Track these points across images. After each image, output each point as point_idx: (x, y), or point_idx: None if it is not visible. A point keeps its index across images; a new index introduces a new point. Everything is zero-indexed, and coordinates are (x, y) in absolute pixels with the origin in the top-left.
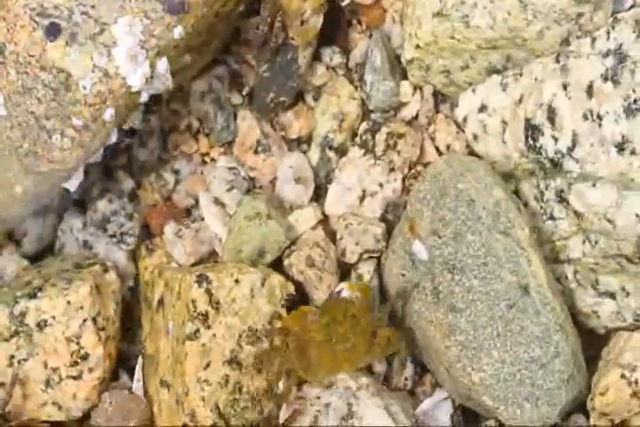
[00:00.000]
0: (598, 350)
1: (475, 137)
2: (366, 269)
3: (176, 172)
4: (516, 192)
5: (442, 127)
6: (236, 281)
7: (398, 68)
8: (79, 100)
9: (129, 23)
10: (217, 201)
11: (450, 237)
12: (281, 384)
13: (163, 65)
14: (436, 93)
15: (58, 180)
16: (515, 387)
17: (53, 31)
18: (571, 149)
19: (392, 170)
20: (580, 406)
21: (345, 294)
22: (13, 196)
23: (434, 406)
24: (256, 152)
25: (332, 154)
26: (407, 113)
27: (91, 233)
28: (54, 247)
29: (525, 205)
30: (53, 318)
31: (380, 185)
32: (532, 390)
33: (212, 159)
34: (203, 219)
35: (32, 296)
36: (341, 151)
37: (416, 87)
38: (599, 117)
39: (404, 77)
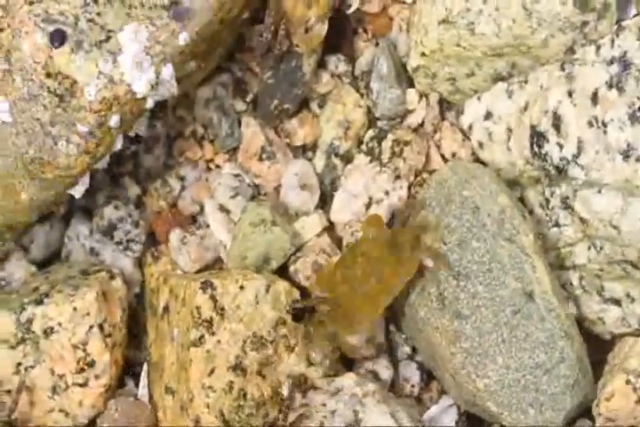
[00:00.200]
0: (604, 356)
1: (480, 145)
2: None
3: (181, 178)
4: (522, 199)
5: (447, 135)
6: (241, 287)
7: (404, 76)
8: (84, 107)
9: (134, 30)
10: (222, 208)
11: (455, 243)
12: (285, 389)
13: (168, 71)
14: (441, 101)
15: (63, 186)
16: (519, 393)
17: (59, 38)
18: (576, 156)
19: (398, 177)
20: (585, 411)
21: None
22: (19, 202)
23: (440, 413)
24: (261, 159)
25: (337, 161)
26: (413, 120)
27: (97, 240)
28: (61, 254)
29: (531, 212)
30: (60, 324)
31: (386, 192)
32: (536, 396)
33: (217, 166)
34: (208, 226)
35: (39, 302)
36: (347, 159)
37: (422, 95)
38: (604, 124)
39: (411, 85)
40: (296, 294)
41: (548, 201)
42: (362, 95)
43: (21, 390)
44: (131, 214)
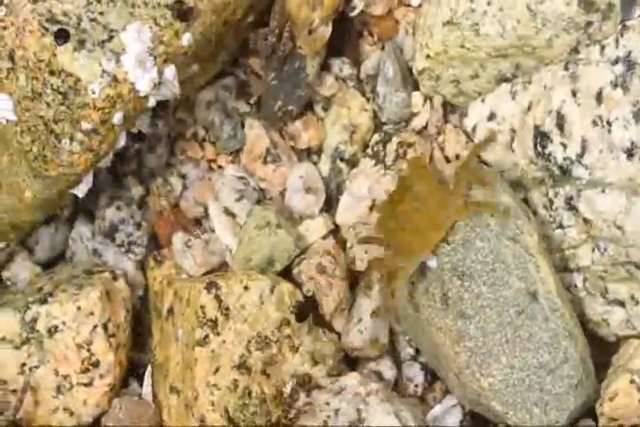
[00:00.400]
0: (609, 358)
1: None
2: (376, 278)
3: (183, 176)
4: (526, 201)
5: (451, 137)
6: (245, 288)
7: (410, 80)
8: (88, 104)
9: (138, 30)
10: (227, 211)
11: (459, 243)
12: (289, 388)
13: (170, 72)
14: (445, 104)
15: (67, 184)
16: (523, 392)
17: (62, 36)
18: (580, 156)
19: None
20: (588, 411)
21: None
22: (23, 200)
23: (444, 412)
24: (265, 162)
25: (342, 165)
26: (417, 123)
27: (99, 242)
28: (65, 256)
29: (534, 213)
30: (64, 323)
31: None
32: (540, 396)
33: (220, 166)
34: (213, 230)
35: (43, 302)
36: (352, 163)
37: (426, 98)
38: (608, 124)
39: (416, 88)
40: (300, 295)
41: (551, 202)
42: (367, 99)
43: (26, 390)
44: (133, 216)
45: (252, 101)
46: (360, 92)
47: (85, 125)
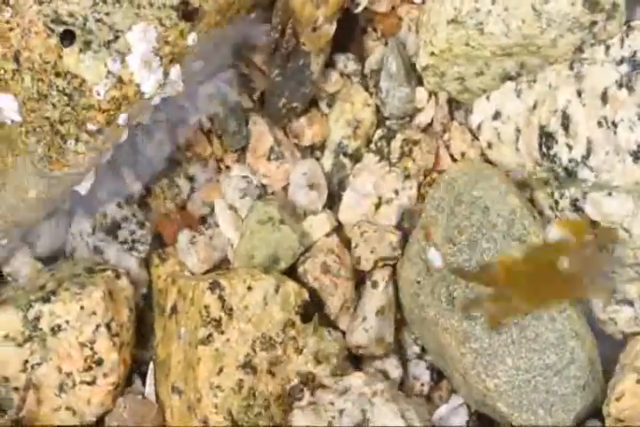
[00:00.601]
0: (616, 355)
1: (489, 145)
2: (381, 277)
3: (190, 178)
4: (531, 201)
5: (456, 135)
6: (249, 288)
7: (414, 75)
8: (93, 106)
9: (143, 30)
10: (231, 207)
11: (465, 244)
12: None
13: (176, 72)
14: (450, 100)
15: (70, 183)
16: (529, 393)
17: (68, 38)
18: (585, 158)
19: (407, 177)
20: (595, 412)
21: (554, 235)
22: (26, 200)
23: (450, 412)
24: (269, 159)
25: (346, 160)
26: (422, 119)
27: (100, 239)
28: (66, 251)
29: (540, 214)
30: (67, 322)
31: (396, 192)
32: (546, 397)
33: (227, 167)
34: (217, 225)
35: (46, 300)
36: (356, 158)
37: (431, 94)
38: (614, 125)
39: (420, 84)
40: (305, 295)
41: (557, 203)
42: (371, 94)
43: (29, 388)
44: (135, 214)
45: (255, 97)
46: (363, 88)
47: (91, 127)
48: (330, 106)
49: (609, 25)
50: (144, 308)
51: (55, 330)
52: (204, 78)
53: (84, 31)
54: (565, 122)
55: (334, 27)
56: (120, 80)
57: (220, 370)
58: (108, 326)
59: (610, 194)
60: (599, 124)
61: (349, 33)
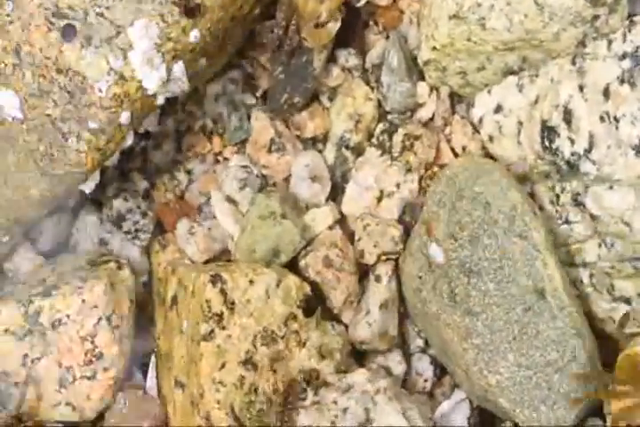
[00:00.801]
0: (615, 355)
1: (490, 138)
2: (384, 271)
3: (189, 172)
4: (532, 195)
5: (458, 128)
6: (251, 282)
7: (415, 70)
8: (95, 103)
9: (145, 26)
10: (229, 199)
11: (466, 240)
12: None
13: (179, 68)
14: (452, 94)
15: (74, 182)
16: (531, 390)
17: (69, 32)
18: (587, 151)
19: (409, 170)
20: (596, 410)
21: None
22: (29, 198)
23: (452, 409)
24: (270, 151)
25: (348, 154)
26: (423, 114)
27: (106, 230)
28: (69, 246)
29: (541, 208)
30: (68, 316)
31: (398, 185)
32: (548, 394)
33: (225, 158)
34: (214, 216)
35: (46, 295)
36: (358, 151)
37: (432, 88)
38: (616, 120)
39: (421, 78)
40: (307, 289)
41: (558, 197)
42: (372, 88)
43: (28, 383)
44: (140, 206)
45: (258, 94)
46: (365, 82)
47: (92, 125)
48: (331, 100)
49: (611, 19)
50: (145, 296)
51: (56, 324)
52: (210, 77)
53: (84, 26)
54: (567, 117)
55: (339, 24)
56: (122, 77)
57: (222, 366)
58: (108, 319)
59: (611, 187)
60: (601, 118)
61: (351, 27)
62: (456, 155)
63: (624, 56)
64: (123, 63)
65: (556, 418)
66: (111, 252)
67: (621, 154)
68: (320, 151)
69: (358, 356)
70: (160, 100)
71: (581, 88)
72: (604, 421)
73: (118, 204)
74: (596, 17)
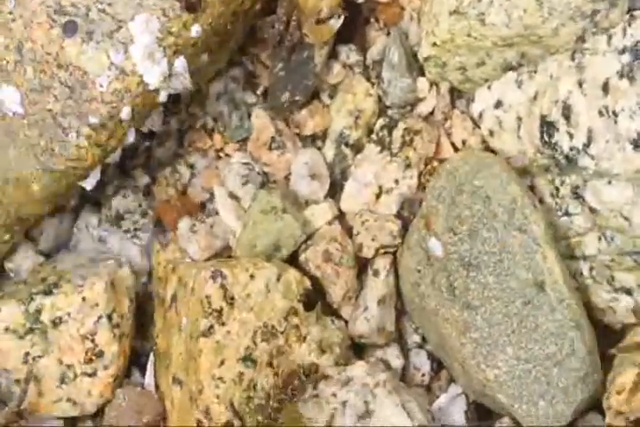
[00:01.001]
0: (614, 346)
1: (490, 133)
2: (382, 265)
3: (191, 166)
4: (532, 188)
5: (458, 123)
6: (251, 276)
7: (415, 65)
8: (95, 98)
9: (146, 20)
10: (231, 195)
11: (465, 233)
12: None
13: (181, 63)
14: (452, 90)
15: (75, 178)
16: (529, 384)
17: (71, 29)
18: (586, 146)
19: (408, 166)
20: (595, 404)
21: None
22: (30, 194)
23: (448, 403)
24: (270, 148)
25: (347, 151)
26: (423, 109)
27: (105, 229)
28: (69, 245)
29: (540, 201)
30: (68, 315)
31: (396, 181)
32: (547, 388)
33: (227, 155)
34: (217, 213)
35: (47, 293)
36: (357, 148)
37: (432, 84)
38: (615, 114)
39: (421, 74)
40: (307, 283)
41: (557, 190)
42: (372, 84)
43: (29, 380)
44: (140, 204)
45: (259, 92)
46: (365, 78)
47: (93, 120)
48: (331, 97)
49: (611, 13)
50: (144, 296)
51: (56, 322)
52: (212, 76)
53: (86, 21)
54: (566, 112)
55: (340, 21)
56: (123, 71)
57: (222, 362)
58: (109, 318)
59: (610, 182)
60: (600, 113)
61: (352, 23)
62: (456, 149)
63: (624, 50)
64: (123, 58)
65: (555, 413)
66: (110, 250)
67: (619, 148)
68: (319, 148)
69: (357, 349)
70: (162, 97)
71: (580, 84)
72: (604, 415)
73: (118, 202)
74: (595, 11)
